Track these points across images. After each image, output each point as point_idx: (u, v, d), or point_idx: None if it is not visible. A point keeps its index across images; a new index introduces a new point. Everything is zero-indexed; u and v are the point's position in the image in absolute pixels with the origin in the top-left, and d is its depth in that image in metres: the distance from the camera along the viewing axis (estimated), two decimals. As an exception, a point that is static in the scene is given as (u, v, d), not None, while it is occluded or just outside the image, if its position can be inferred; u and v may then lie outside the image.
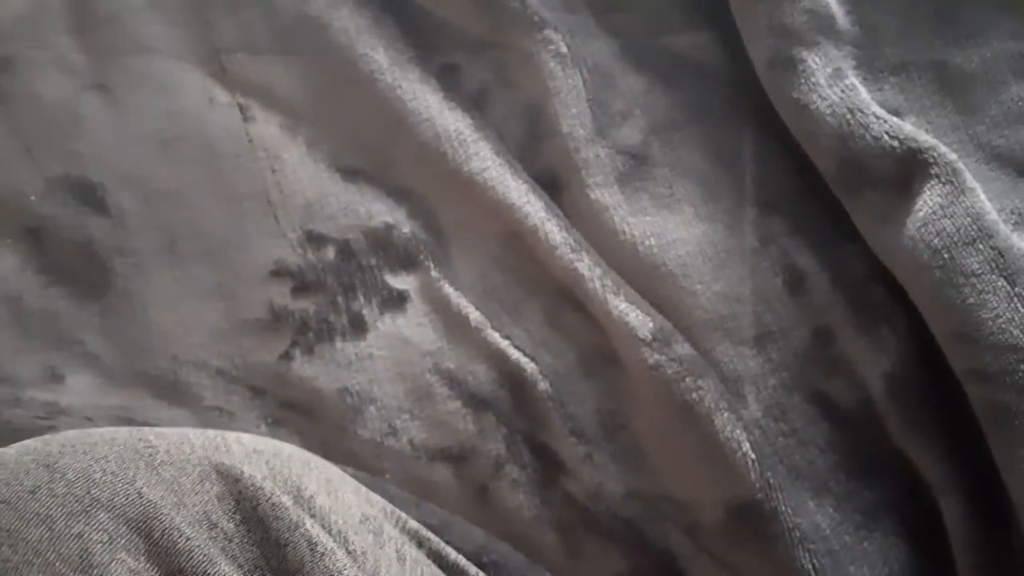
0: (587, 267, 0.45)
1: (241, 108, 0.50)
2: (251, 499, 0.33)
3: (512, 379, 0.45)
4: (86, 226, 0.49)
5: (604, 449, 0.44)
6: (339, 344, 0.46)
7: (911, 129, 0.43)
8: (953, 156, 0.42)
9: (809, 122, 0.44)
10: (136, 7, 0.53)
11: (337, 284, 0.47)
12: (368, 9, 0.51)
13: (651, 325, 0.43)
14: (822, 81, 0.44)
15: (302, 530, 0.33)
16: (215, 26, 0.52)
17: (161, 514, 0.32)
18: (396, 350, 0.46)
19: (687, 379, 0.42)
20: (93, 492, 0.32)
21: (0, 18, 0.53)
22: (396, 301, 0.47)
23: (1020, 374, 0.38)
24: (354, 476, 0.42)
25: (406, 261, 0.47)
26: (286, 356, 0.46)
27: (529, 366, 0.45)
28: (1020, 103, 0.45)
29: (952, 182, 0.41)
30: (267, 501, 0.33)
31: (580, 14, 0.50)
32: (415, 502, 0.42)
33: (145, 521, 0.32)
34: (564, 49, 0.49)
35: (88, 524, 0.32)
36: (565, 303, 0.46)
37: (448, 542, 0.39)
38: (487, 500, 0.44)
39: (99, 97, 0.51)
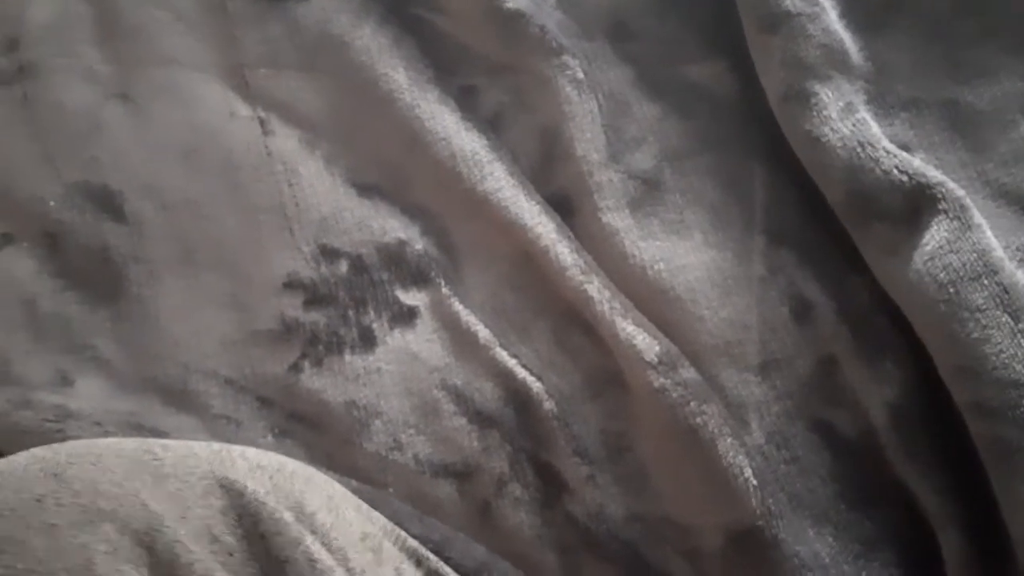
0: (596, 289, 0.45)
1: (261, 122, 0.51)
2: (253, 514, 0.34)
3: (518, 398, 0.45)
4: (103, 232, 0.49)
5: (607, 470, 0.44)
6: (348, 357, 0.47)
7: (920, 164, 0.43)
8: (961, 192, 0.43)
9: (820, 154, 0.45)
10: (162, 20, 0.54)
11: (348, 298, 0.48)
12: (389, 30, 0.52)
13: (657, 348, 0.44)
14: (834, 115, 0.45)
15: (303, 547, 0.34)
16: (240, 41, 0.53)
17: (164, 527, 0.33)
18: (404, 365, 0.46)
19: (691, 403, 0.42)
20: (99, 503, 0.33)
21: (27, 25, 0.54)
22: (406, 316, 0.47)
23: (1022, 409, 0.38)
24: (358, 490, 0.42)
25: (417, 277, 0.48)
26: (295, 368, 0.47)
27: (535, 385, 0.45)
28: (1028, 142, 0.46)
29: (959, 218, 0.42)
30: (269, 517, 0.34)
31: (597, 41, 0.51)
32: (418, 517, 0.42)
33: (148, 533, 0.32)
34: (581, 75, 0.50)
35: (93, 535, 0.32)
36: (573, 324, 0.46)
37: (449, 558, 0.39)
38: (489, 517, 0.44)
39: (121, 106, 0.52)
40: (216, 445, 0.36)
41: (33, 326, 0.48)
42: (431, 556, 0.38)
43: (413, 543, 0.38)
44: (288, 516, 0.34)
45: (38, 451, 0.35)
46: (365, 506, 0.38)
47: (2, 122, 0.52)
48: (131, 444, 0.35)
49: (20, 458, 0.34)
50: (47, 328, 0.48)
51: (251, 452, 0.36)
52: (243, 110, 0.52)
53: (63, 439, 0.43)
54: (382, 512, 0.39)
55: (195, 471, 0.34)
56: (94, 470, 0.33)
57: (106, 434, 0.44)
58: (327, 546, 0.34)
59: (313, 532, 0.34)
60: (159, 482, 0.34)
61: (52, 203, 0.50)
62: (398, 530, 0.38)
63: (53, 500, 0.32)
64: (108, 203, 0.50)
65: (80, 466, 0.33)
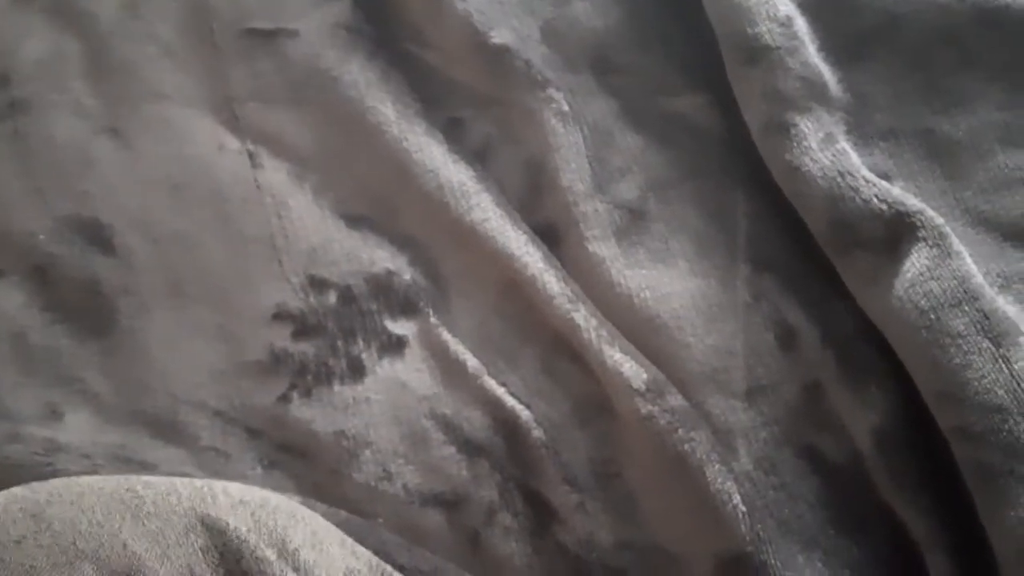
0: (583, 317, 0.46)
1: (250, 155, 0.52)
2: (235, 552, 0.34)
3: (507, 426, 0.45)
4: (92, 266, 0.49)
5: (596, 498, 0.44)
6: (337, 387, 0.47)
7: (899, 193, 0.44)
8: (940, 220, 0.43)
9: (801, 184, 0.46)
10: (151, 55, 0.55)
11: (337, 328, 0.48)
12: (377, 64, 0.53)
13: (645, 376, 0.44)
14: (814, 145, 0.45)
15: None
16: (228, 76, 0.54)
17: (145, 567, 0.32)
18: (393, 395, 0.46)
19: (679, 430, 0.43)
20: (78, 543, 0.32)
21: (20, 61, 0.55)
22: (395, 346, 0.48)
23: (1004, 434, 0.38)
24: (347, 520, 0.42)
25: (406, 307, 0.48)
26: (284, 398, 0.47)
27: (524, 413, 0.45)
28: (1006, 170, 0.47)
29: (939, 245, 0.43)
30: (251, 555, 0.34)
31: (582, 75, 0.52)
32: (407, 547, 0.42)
33: (129, 574, 0.32)
34: (566, 107, 0.50)
35: None
36: (561, 352, 0.46)
37: (439, 588, 0.39)
38: (479, 547, 0.44)
39: (111, 141, 0.52)
40: (198, 482, 0.36)
41: (22, 360, 0.48)
42: None
43: None
44: (270, 553, 0.34)
45: (18, 491, 0.35)
46: (350, 540, 0.38)
47: (-7, 157, 0.52)
48: (112, 482, 0.35)
49: None
50: (36, 362, 0.48)
51: (234, 488, 0.36)
52: (232, 144, 0.52)
53: (52, 473, 0.43)
54: (371, 543, 0.39)
55: (176, 509, 0.34)
56: (74, 509, 0.33)
57: (95, 467, 0.44)
58: None
59: (295, 569, 0.34)
60: (140, 521, 0.33)
61: (42, 237, 0.50)
62: (384, 565, 0.38)
63: (33, 541, 0.32)
64: (98, 236, 0.50)
65: (60, 506, 0.33)
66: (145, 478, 0.36)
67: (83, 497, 0.34)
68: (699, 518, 0.42)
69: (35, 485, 0.35)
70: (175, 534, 0.33)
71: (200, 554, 0.33)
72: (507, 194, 0.50)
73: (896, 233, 0.44)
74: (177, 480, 0.36)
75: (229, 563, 0.33)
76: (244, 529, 0.34)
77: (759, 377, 0.45)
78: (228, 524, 0.34)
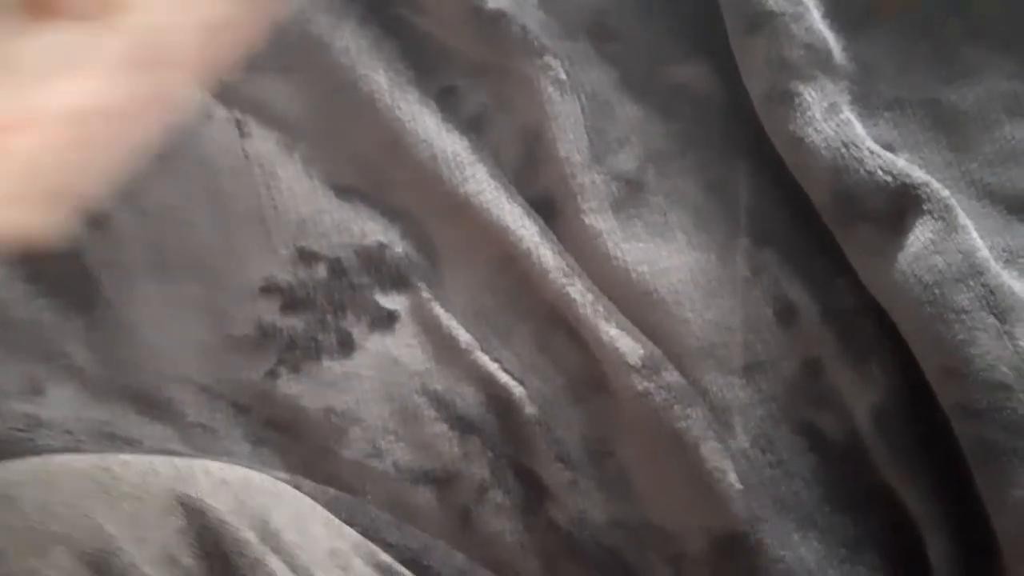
0: (579, 292, 0.45)
1: (238, 124, 0.51)
2: (214, 534, 0.33)
3: (499, 403, 0.45)
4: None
5: (590, 475, 0.43)
6: (326, 363, 0.46)
7: (904, 164, 0.43)
8: (946, 193, 0.42)
9: (804, 155, 0.44)
10: (137, 21, 0.53)
11: (327, 302, 0.47)
12: (369, 31, 0.51)
13: (641, 352, 0.43)
14: (818, 115, 0.44)
15: (265, 569, 0.33)
16: (215, 42, 0.52)
17: (119, 550, 0.32)
18: (384, 370, 0.46)
19: (675, 407, 0.42)
20: (50, 526, 0.32)
21: (1, 28, 0.53)
22: (386, 321, 0.47)
23: (1008, 411, 0.38)
24: (335, 498, 0.41)
25: (397, 281, 0.47)
26: (272, 374, 0.46)
27: (517, 390, 0.45)
28: (1013, 142, 0.45)
29: (944, 218, 0.42)
30: (231, 537, 0.33)
31: (580, 42, 0.51)
32: (397, 525, 0.42)
33: (103, 557, 0.31)
34: (563, 76, 0.49)
35: (43, 560, 0.31)
36: (556, 328, 0.46)
37: (428, 567, 0.39)
38: (470, 524, 0.43)
39: (96, 109, 0.51)
40: (179, 461, 0.35)
41: (3, 334, 0.47)
42: (405, 572, 0.37)
43: (386, 559, 0.37)
44: (251, 535, 0.33)
45: None
46: (336, 521, 0.37)
47: (-27, 125, 0.51)
48: (88, 461, 0.34)
49: None
50: (18, 335, 0.47)
51: (215, 467, 0.35)
52: (220, 112, 0.51)
53: (33, 448, 0.43)
54: (360, 520, 0.39)
55: (154, 490, 0.33)
56: (46, 490, 0.32)
57: (77, 443, 0.43)
58: (291, 565, 0.33)
59: (277, 551, 0.33)
60: (115, 502, 0.32)
61: (24, 207, 0.49)
62: (370, 545, 0.37)
63: (2, 525, 0.31)
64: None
65: (32, 486, 0.32)
66: (123, 457, 0.35)
67: (57, 477, 0.33)
68: (694, 496, 0.41)
69: (7, 464, 0.34)
70: (152, 515, 0.33)
71: (178, 535, 0.33)
72: (502, 165, 0.49)
73: (900, 206, 0.43)
74: (156, 459, 0.35)
75: (208, 545, 0.33)
76: (224, 510, 0.33)
77: (757, 353, 0.45)
78: (208, 505, 0.33)
